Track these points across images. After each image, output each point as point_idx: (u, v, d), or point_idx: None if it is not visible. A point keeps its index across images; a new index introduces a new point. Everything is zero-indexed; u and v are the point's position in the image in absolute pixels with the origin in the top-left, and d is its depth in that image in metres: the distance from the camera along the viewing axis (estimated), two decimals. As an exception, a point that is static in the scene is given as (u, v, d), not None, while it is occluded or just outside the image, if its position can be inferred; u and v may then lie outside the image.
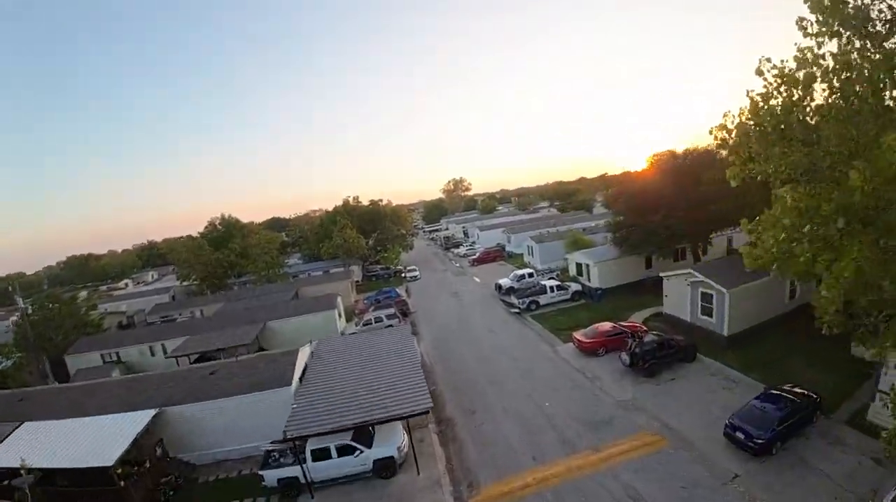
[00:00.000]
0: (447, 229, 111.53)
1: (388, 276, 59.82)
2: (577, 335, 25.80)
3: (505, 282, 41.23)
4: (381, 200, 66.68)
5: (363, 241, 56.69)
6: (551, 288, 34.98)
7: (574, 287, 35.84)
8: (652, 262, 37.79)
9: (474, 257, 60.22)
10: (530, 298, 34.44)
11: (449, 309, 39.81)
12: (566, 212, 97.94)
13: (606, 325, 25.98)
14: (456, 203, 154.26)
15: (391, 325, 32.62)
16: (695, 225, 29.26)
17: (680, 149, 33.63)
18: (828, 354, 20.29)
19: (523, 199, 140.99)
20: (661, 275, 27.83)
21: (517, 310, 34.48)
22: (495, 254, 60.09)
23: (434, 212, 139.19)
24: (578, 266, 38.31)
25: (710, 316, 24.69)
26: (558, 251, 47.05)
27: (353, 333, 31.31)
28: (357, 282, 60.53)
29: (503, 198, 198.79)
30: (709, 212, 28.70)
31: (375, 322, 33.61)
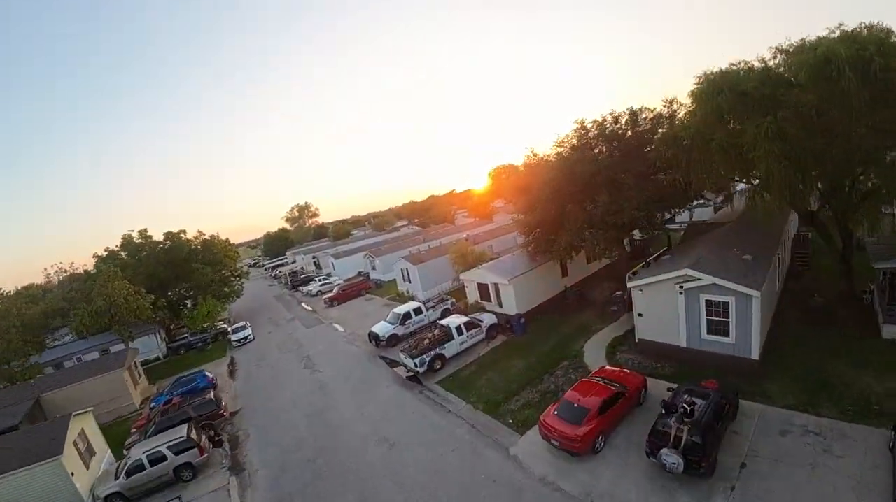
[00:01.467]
0: (294, 262, 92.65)
1: (202, 345, 40.39)
2: (550, 421, 13.92)
3: (383, 328, 27.85)
4: (182, 232, 46.39)
5: (145, 300, 36.43)
6: (459, 328, 22.75)
7: (487, 319, 24.51)
8: (568, 269, 29.09)
9: (331, 295, 45.05)
10: (431, 353, 21.72)
11: (300, 394, 24.33)
12: (429, 226, 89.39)
13: (594, 385, 14.76)
14: (303, 232, 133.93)
15: (183, 473, 16.43)
16: (647, 205, 20.71)
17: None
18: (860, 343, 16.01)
19: (379, 220, 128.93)
20: (632, 285, 18.21)
21: (413, 375, 21.42)
22: (359, 286, 45.97)
23: (276, 243, 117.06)
24: (482, 288, 27.34)
25: (727, 334, 15.68)
26: (444, 271, 35.77)
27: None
28: (158, 359, 39.88)
29: (355, 223, 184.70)
30: (660, 185, 20.54)
31: (150, 464, 16.70)
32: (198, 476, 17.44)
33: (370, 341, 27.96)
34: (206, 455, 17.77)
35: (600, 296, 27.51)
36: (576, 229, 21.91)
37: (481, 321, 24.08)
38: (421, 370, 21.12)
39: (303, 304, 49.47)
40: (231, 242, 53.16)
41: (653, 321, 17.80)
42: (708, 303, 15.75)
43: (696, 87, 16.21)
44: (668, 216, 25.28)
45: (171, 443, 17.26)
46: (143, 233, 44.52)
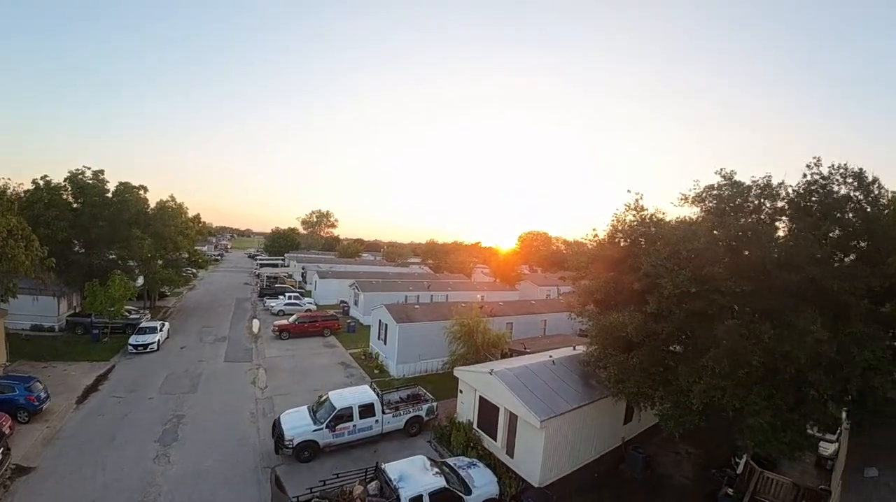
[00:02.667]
0: (287, 266, 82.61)
1: (98, 333, 29.64)
2: None
3: (298, 422, 15.83)
4: (143, 188, 36.40)
5: (32, 249, 25.45)
6: (417, 502, 10.86)
7: (481, 483, 12.51)
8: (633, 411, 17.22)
9: (284, 323, 33.50)
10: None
11: (111, 491, 12.73)
12: (442, 272, 78.47)
13: None
14: (313, 240, 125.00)
15: None
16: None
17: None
18: None
19: (393, 249, 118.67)
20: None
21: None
22: (323, 323, 34.22)
23: (280, 242, 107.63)
24: (487, 409, 15.53)
25: None
26: (436, 342, 24.00)
27: None
28: (53, 330, 29.31)
29: (370, 246, 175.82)
30: None
31: None
32: None
33: (273, 436, 16.08)
34: None
35: (685, 470, 15.41)
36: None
37: (469, 488, 12.04)
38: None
39: (253, 321, 38.13)
40: (200, 221, 43.10)
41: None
42: None
43: None
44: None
45: None
46: (97, 174, 34.81)
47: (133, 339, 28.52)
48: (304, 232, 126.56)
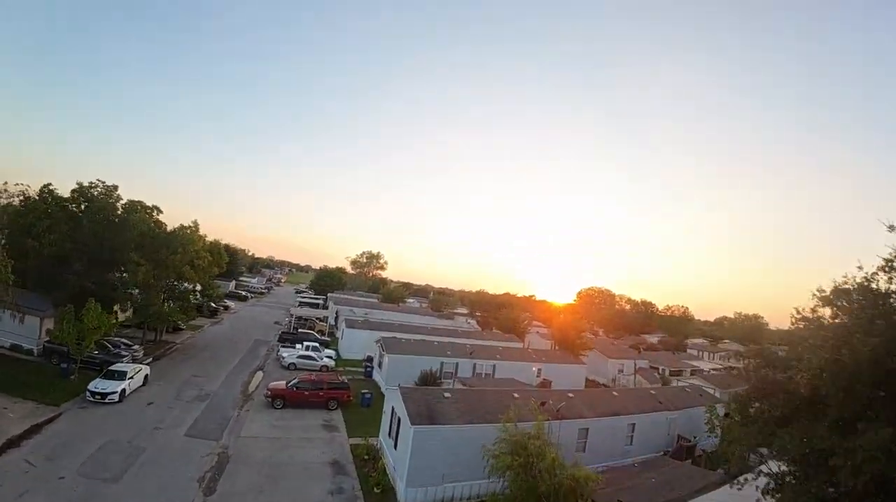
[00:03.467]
0: (326, 307, 77.83)
1: (66, 369, 24.40)
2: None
3: None
4: (156, 210, 32.40)
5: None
6: None
7: None
8: None
9: (280, 386, 25.98)
10: None
11: None
12: (490, 329, 69.20)
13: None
14: (359, 281, 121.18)
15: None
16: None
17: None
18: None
19: (439, 297, 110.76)
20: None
21: None
22: (329, 392, 26.10)
23: (326, 281, 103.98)
24: None
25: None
26: (470, 457, 15.30)
27: None
28: (31, 353, 24.40)
29: (417, 291, 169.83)
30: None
31: None
32: None
33: None
34: None
35: None
36: None
37: None
38: None
39: (255, 375, 31.45)
40: (222, 250, 38.31)
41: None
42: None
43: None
44: None
45: None
46: (109, 189, 31.24)
47: (93, 384, 22.81)
48: (353, 272, 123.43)
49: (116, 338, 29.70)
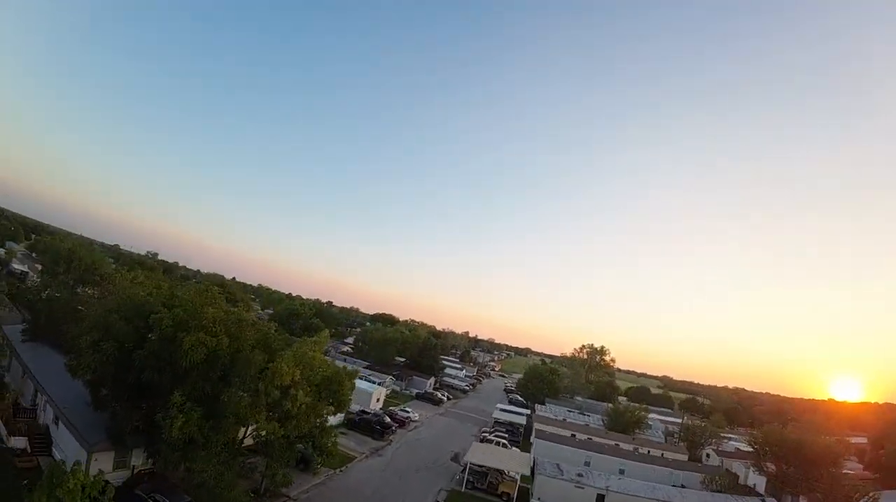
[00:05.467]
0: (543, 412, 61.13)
1: None
2: None
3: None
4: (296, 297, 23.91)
5: None
6: None
7: None
8: None
9: None
10: None
11: None
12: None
13: None
14: (579, 383, 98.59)
15: None
16: None
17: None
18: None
19: (696, 426, 74.49)
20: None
21: None
22: None
23: (535, 383, 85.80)
24: None
25: None
26: None
27: None
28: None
29: (660, 399, 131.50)
30: None
31: None
32: None
33: None
34: None
35: None
36: None
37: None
38: None
39: None
40: (341, 374, 26.24)
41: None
42: None
43: None
44: None
45: None
46: (210, 294, 23.71)
47: None
48: (568, 371, 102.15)
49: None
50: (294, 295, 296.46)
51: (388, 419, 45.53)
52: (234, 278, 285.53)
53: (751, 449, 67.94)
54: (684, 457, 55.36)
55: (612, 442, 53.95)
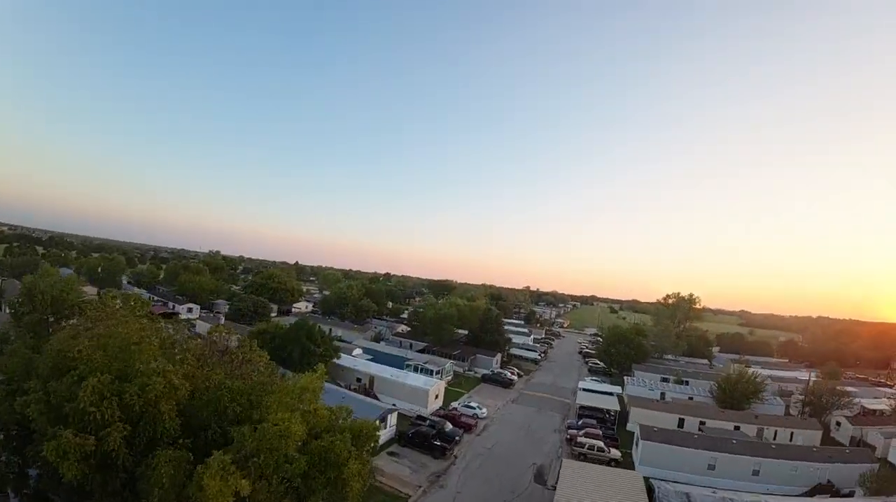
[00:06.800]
0: (636, 388, 51.99)
1: None
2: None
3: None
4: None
5: None
6: None
7: None
8: None
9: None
10: None
11: None
12: None
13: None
14: (666, 339, 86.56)
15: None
16: None
17: None
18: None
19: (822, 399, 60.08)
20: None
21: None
22: None
23: (618, 348, 75.57)
24: None
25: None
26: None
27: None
28: None
29: (758, 348, 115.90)
30: None
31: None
32: None
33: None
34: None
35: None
36: None
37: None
38: None
39: None
40: (367, 426, 18.33)
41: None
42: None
43: None
44: None
45: None
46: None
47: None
48: (652, 327, 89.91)
49: None
50: (352, 271, 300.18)
51: (449, 426, 38.12)
52: (296, 262, 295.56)
53: (887, 409, 54.15)
54: (818, 434, 43.71)
55: (731, 425, 43.34)
